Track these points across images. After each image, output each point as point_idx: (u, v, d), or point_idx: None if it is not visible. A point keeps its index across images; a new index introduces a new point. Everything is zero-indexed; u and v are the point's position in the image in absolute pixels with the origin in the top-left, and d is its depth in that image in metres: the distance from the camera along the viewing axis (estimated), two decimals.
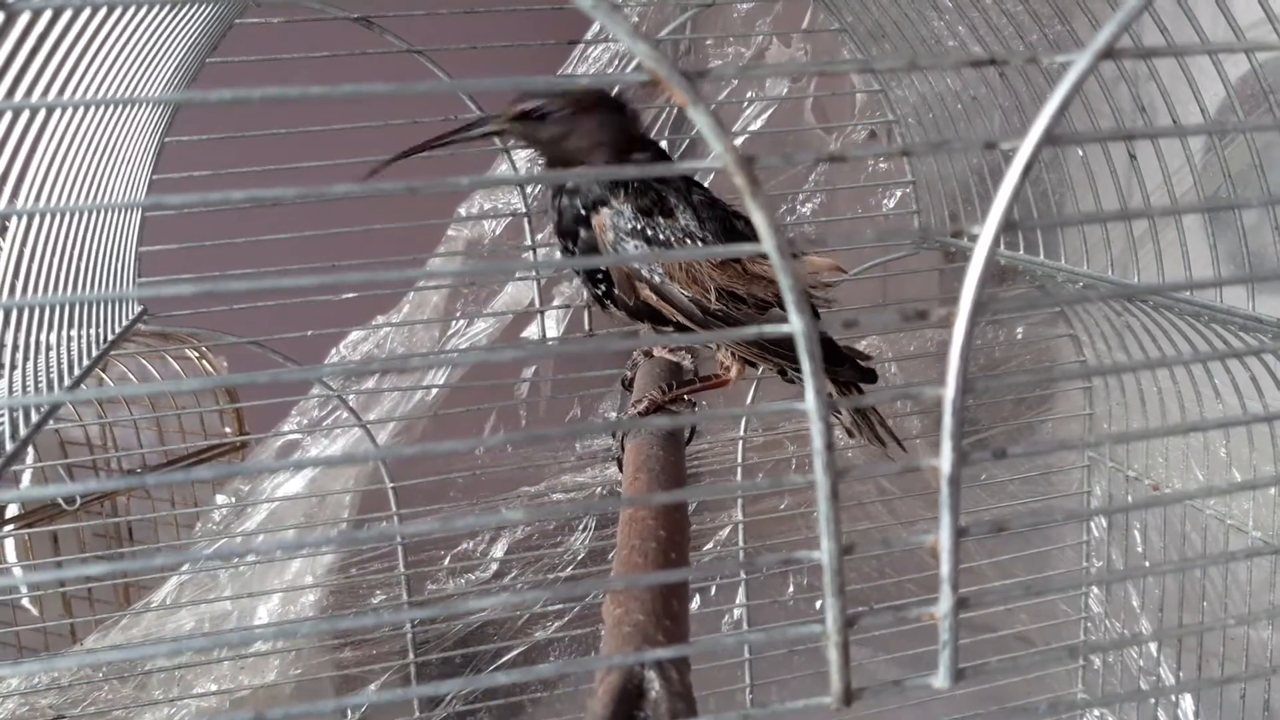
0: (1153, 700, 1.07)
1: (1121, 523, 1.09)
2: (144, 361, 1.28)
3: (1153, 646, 1.05)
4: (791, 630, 0.38)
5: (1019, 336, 1.12)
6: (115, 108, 0.71)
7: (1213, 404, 0.93)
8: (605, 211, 0.75)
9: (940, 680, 0.39)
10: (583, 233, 0.76)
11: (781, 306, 0.75)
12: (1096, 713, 1.16)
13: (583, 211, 0.76)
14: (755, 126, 1.05)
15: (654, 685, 0.42)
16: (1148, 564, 1.07)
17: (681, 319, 0.75)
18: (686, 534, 0.61)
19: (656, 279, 0.75)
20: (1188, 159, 0.72)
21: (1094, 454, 1.11)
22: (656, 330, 0.79)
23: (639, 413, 0.78)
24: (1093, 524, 1.13)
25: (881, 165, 1.05)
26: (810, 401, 0.36)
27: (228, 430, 1.37)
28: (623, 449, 0.77)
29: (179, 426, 1.29)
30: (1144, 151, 0.77)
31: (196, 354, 1.35)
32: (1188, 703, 1.02)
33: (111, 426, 1.26)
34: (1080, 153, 0.84)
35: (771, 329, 0.37)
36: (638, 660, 0.41)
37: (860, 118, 1.04)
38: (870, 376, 0.78)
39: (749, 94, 1.04)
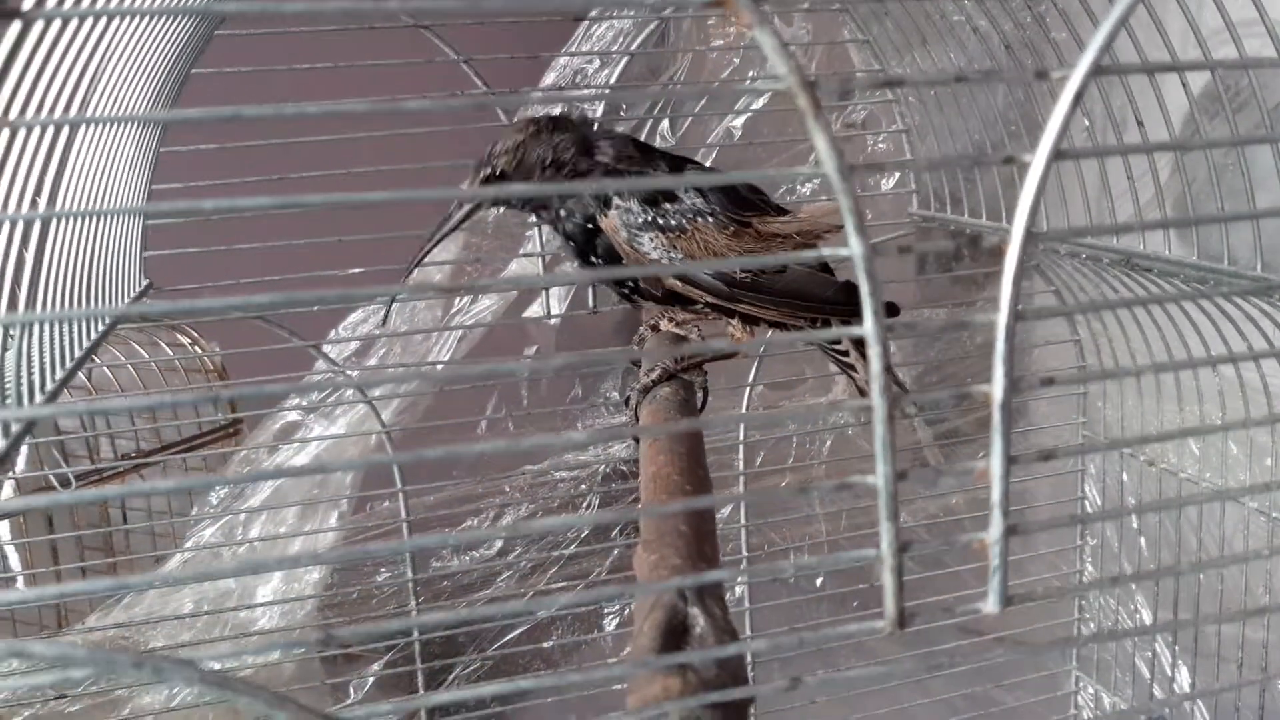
0: (1148, 676, 1.08)
1: (1115, 497, 1.10)
2: (136, 346, 1.27)
3: (1147, 618, 1.07)
4: (846, 555, 0.38)
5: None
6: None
7: (1208, 376, 0.95)
8: (613, 213, 0.76)
9: (991, 605, 0.39)
10: (599, 242, 0.77)
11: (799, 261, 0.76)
12: (1091, 690, 1.17)
13: (588, 224, 0.76)
14: (757, 105, 1.06)
15: (699, 621, 0.42)
16: (1142, 540, 1.08)
17: (710, 298, 0.76)
18: (710, 490, 0.61)
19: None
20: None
21: (1088, 432, 1.13)
22: (686, 310, 0.80)
23: (652, 380, 0.78)
24: (1085, 501, 1.15)
25: (881, 145, 1.06)
26: (869, 324, 0.36)
27: (220, 417, 1.36)
28: (637, 420, 0.78)
29: (173, 413, 1.28)
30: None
31: (189, 340, 1.35)
32: (1184, 675, 1.03)
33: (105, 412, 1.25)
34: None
35: (830, 252, 0.38)
36: (688, 584, 0.41)
37: (860, 96, 1.05)
38: (893, 310, 0.81)
39: (750, 73, 1.05)
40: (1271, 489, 0.68)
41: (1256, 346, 0.87)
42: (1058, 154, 0.36)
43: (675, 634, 0.42)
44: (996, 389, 0.37)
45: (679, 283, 0.76)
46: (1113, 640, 1.06)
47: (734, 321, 0.80)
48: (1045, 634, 1.19)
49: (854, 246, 0.36)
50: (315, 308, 0.91)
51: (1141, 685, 1.09)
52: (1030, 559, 1.21)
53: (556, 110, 0.91)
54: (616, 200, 0.76)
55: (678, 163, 0.80)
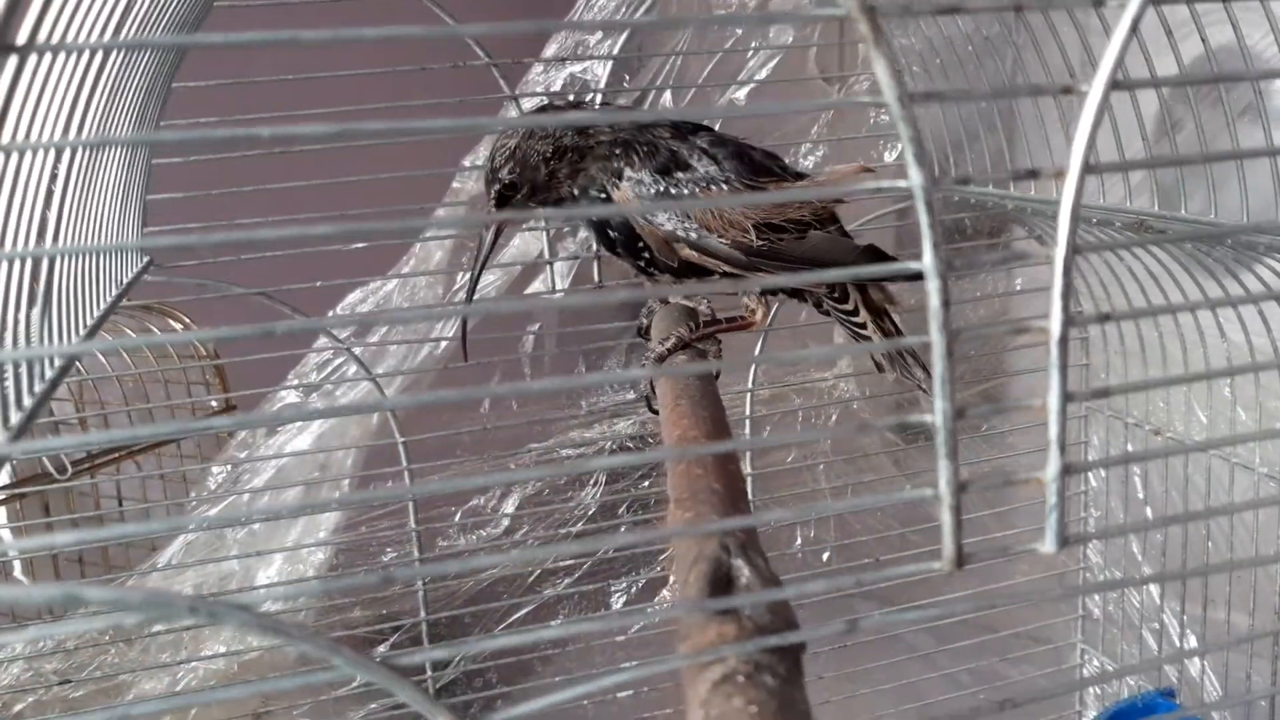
0: (1155, 650, 1.08)
1: (1120, 471, 1.10)
2: (129, 333, 1.25)
3: (1155, 593, 1.07)
4: (903, 495, 0.38)
5: (1018, 286, 1.13)
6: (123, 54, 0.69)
7: (1217, 346, 0.95)
8: (625, 184, 0.75)
9: (1048, 545, 0.39)
10: (613, 217, 0.76)
11: (818, 225, 0.75)
12: (1097, 664, 1.17)
13: (601, 197, 0.76)
14: (761, 76, 1.05)
15: (743, 572, 0.42)
16: (1148, 510, 1.08)
17: (727, 268, 0.75)
18: (735, 453, 0.61)
19: (693, 235, 0.75)
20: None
21: (1091, 403, 1.13)
22: (702, 282, 0.78)
23: (667, 350, 0.77)
24: (1090, 473, 1.15)
25: (883, 117, 1.06)
26: (928, 258, 0.36)
27: (214, 404, 1.35)
28: (653, 389, 0.77)
29: (166, 396, 1.27)
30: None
31: (181, 326, 1.33)
32: (1192, 646, 1.04)
33: (100, 399, 1.24)
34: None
35: (889, 184, 0.37)
36: (744, 524, 0.40)
37: (864, 68, 1.04)
38: (917, 277, 0.79)
39: (753, 44, 1.04)
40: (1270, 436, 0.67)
41: (1272, 317, 0.87)
42: (1115, 84, 0.36)
43: (721, 585, 0.41)
44: (1054, 324, 0.37)
45: (694, 253, 0.75)
46: (1120, 588, 1.06)
47: (749, 294, 0.79)
48: (1052, 609, 1.20)
49: (913, 177, 0.36)
50: (318, 283, 0.91)
51: (1149, 658, 1.09)
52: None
53: (560, 94, 0.89)
54: (628, 172, 0.75)
55: (681, 127, 0.78)
